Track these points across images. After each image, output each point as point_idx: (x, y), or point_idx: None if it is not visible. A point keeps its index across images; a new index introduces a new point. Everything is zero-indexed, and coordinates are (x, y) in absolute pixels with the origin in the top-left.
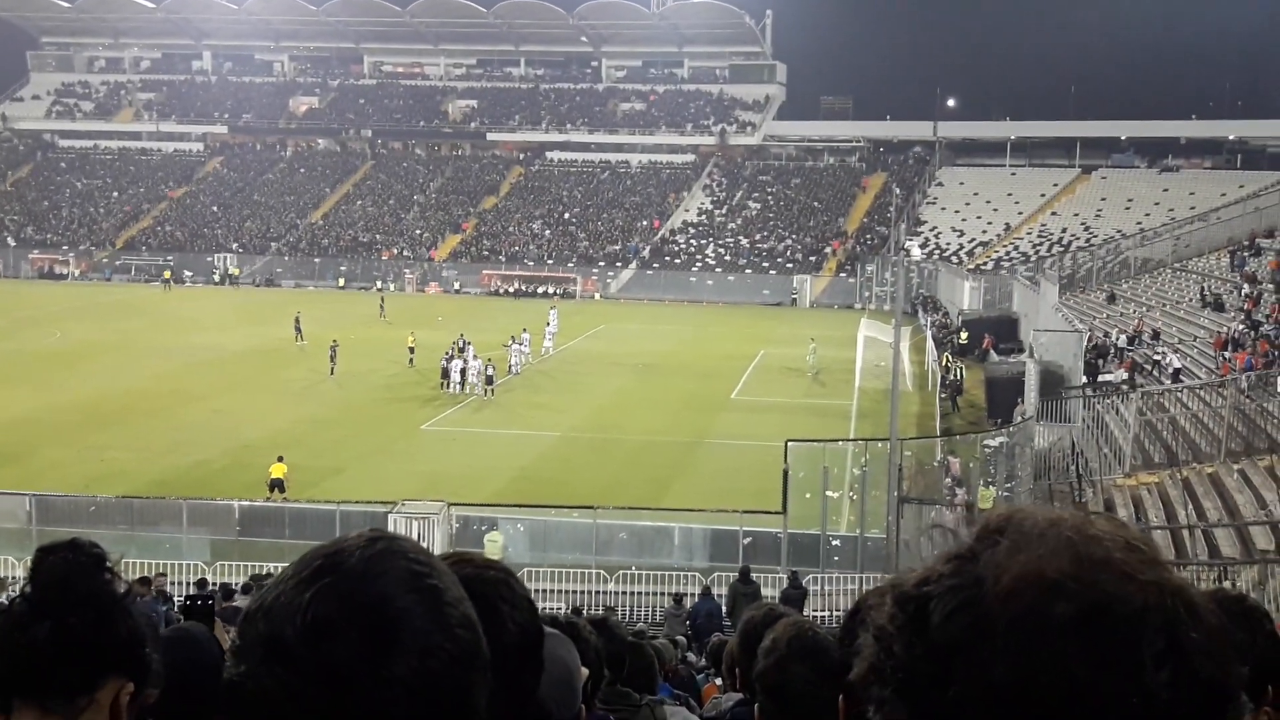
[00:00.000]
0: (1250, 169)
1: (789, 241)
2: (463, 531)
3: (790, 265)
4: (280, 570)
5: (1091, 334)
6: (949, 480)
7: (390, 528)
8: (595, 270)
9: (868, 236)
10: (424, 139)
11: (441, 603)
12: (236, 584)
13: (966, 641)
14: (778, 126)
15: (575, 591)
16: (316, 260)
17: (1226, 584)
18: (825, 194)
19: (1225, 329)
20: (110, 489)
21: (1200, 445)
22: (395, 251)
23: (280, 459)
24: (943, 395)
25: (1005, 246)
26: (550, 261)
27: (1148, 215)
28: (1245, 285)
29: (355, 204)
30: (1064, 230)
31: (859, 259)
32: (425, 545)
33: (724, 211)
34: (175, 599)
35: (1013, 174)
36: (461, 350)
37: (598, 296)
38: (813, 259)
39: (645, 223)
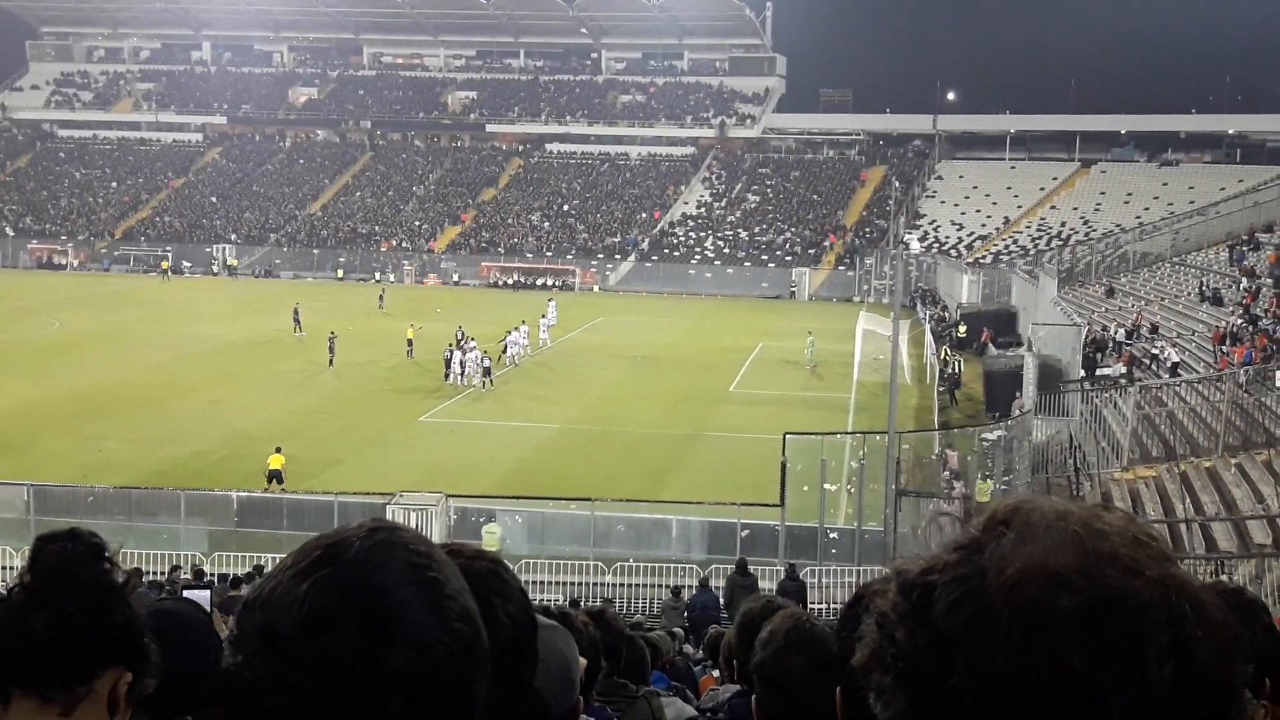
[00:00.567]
0: (1250, 163)
1: (788, 234)
2: (461, 523)
3: (789, 258)
4: (280, 560)
5: (1090, 328)
6: (947, 473)
7: (388, 519)
8: (594, 262)
9: (867, 230)
10: (423, 130)
11: (442, 595)
12: (234, 575)
13: (968, 632)
14: (777, 119)
15: (573, 583)
16: (315, 251)
17: (1223, 578)
18: (824, 187)
19: (1223, 323)
20: (108, 479)
21: (1198, 439)
22: (394, 243)
23: (278, 450)
24: (941, 389)
25: (1004, 240)
26: (549, 253)
27: (1147, 209)
28: (1244, 280)
29: (354, 195)
30: (1063, 224)
31: (858, 252)
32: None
33: (723, 204)
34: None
35: (1012, 167)
36: (460, 342)
37: (596, 289)
38: (812, 252)
39: (644, 215)
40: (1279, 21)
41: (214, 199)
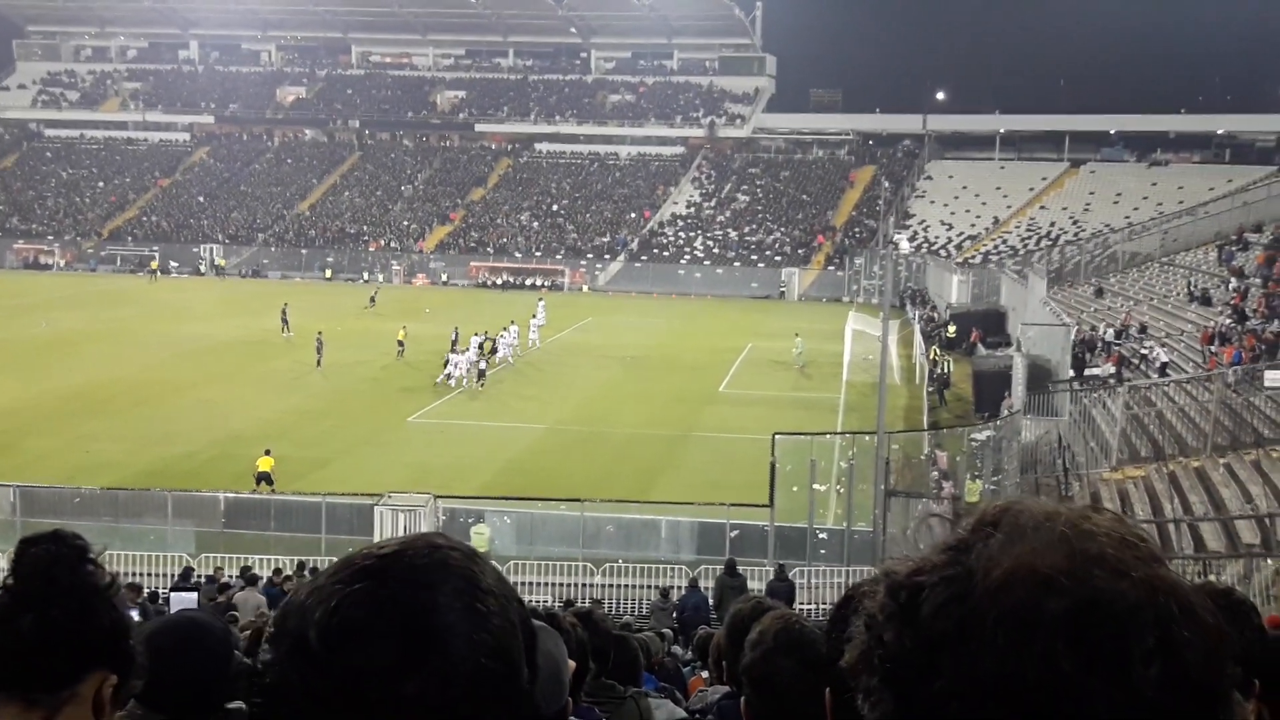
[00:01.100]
0: (1239, 163)
1: (777, 234)
2: (449, 524)
3: (779, 258)
4: (329, 563)
5: (1079, 328)
6: (936, 473)
7: (376, 520)
8: (583, 262)
9: (856, 230)
10: (412, 130)
11: (485, 629)
12: (225, 576)
13: (955, 634)
14: (767, 119)
15: (562, 584)
16: (303, 251)
17: (1211, 578)
18: (814, 187)
19: (1212, 323)
20: (96, 480)
21: (1186, 439)
22: (383, 243)
23: (268, 452)
24: (930, 389)
25: (994, 240)
26: (538, 253)
27: (1136, 209)
28: (1233, 280)
29: (342, 195)
30: (1052, 224)
31: (847, 252)
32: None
33: (713, 204)
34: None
35: (1001, 167)
36: (454, 343)
37: (586, 289)
38: (801, 252)
39: (634, 215)
40: (1268, 21)
41: (201, 199)
